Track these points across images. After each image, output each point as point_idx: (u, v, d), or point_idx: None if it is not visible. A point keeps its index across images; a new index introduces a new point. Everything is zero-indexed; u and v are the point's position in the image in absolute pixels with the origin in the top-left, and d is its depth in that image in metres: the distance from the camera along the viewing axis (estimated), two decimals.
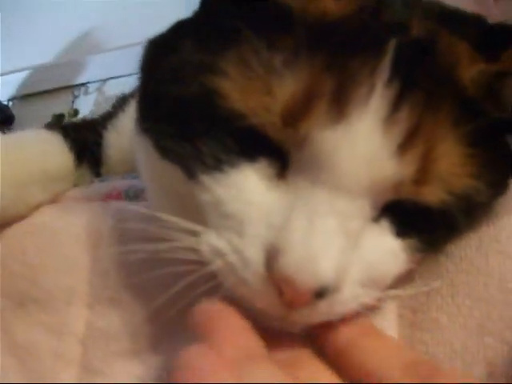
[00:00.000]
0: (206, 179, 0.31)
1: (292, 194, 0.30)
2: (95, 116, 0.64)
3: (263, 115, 0.29)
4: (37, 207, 0.47)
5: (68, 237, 0.43)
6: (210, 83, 0.30)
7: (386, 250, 0.32)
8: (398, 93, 0.29)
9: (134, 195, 0.46)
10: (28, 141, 0.51)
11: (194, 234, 0.32)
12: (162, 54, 0.36)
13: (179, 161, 0.33)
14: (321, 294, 0.29)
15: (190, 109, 0.32)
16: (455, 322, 0.34)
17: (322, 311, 0.31)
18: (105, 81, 1.81)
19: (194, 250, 0.31)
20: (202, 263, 0.31)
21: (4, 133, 0.52)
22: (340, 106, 0.29)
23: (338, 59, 0.29)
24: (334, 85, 0.29)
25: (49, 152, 0.50)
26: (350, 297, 0.31)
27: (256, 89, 0.30)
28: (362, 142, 0.29)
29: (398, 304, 0.36)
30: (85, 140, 0.56)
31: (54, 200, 0.49)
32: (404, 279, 0.35)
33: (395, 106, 0.29)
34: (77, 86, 1.84)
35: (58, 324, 0.42)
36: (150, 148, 0.35)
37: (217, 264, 0.31)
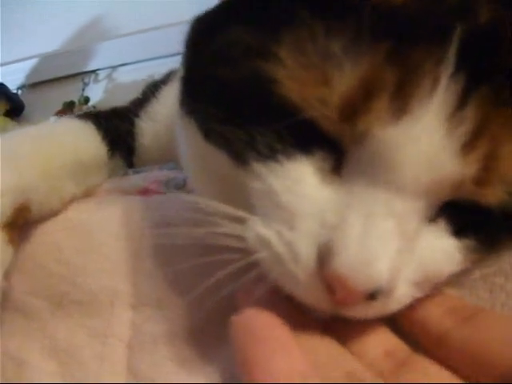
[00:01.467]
0: (258, 167, 0.30)
1: (347, 191, 0.29)
2: (122, 104, 0.61)
3: (319, 108, 0.27)
4: (71, 201, 0.45)
5: (107, 235, 0.41)
6: (263, 69, 0.28)
7: (441, 250, 0.31)
8: (464, 87, 0.27)
9: (175, 187, 0.43)
10: (60, 131, 0.49)
11: (240, 220, 0.31)
12: (208, 32, 0.34)
13: (228, 146, 0.31)
14: (373, 295, 0.28)
15: (240, 93, 0.30)
16: None
17: (373, 310, 0.30)
18: (115, 67, 1.80)
19: (240, 238, 0.30)
20: (246, 252, 0.30)
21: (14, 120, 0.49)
22: (403, 100, 0.27)
23: (400, 48, 0.27)
24: (397, 77, 0.27)
25: (82, 143, 0.48)
26: (402, 296, 0.30)
27: (311, 78, 0.28)
28: (425, 140, 0.27)
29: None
30: (117, 129, 0.54)
31: (88, 193, 0.47)
32: (463, 275, 0.33)
33: (461, 101, 0.27)
34: (87, 73, 1.84)
35: (102, 327, 0.40)
36: (195, 132, 0.33)
37: (263, 254, 0.30)
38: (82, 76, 1.83)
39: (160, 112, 0.55)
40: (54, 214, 0.44)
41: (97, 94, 1.79)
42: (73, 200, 0.45)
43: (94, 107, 1.66)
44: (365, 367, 0.29)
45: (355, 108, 0.27)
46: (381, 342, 0.31)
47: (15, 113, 1.79)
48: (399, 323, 0.32)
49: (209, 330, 0.37)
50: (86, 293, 0.40)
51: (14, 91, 1.89)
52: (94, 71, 1.83)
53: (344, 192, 0.29)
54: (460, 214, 0.30)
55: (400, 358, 0.30)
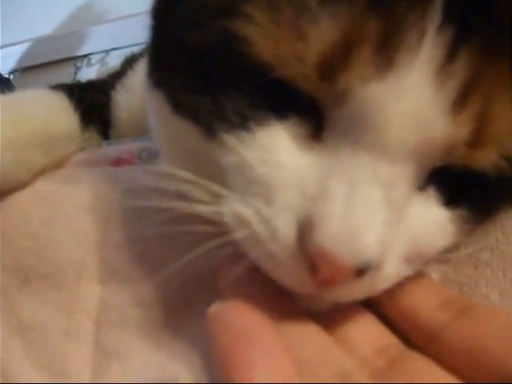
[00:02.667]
0: (229, 139, 0.27)
1: (328, 158, 0.26)
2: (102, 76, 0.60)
3: (295, 65, 0.25)
4: (40, 173, 0.43)
5: (76, 207, 0.39)
6: (232, 28, 0.26)
7: (432, 221, 0.28)
8: (453, 39, 0.24)
9: (148, 158, 0.42)
10: (29, 100, 0.47)
11: (215, 197, 0.28)
12: None
13: (196, 117, 0.29)
14: (362, 271, 0.26)
15: (209, 58, 0.28)
16: (508, 299, 0.30)
17: (360, 289, 0.28)
18: (107, 52, 1.77)
19: (216, 215, 0.28)
20: (222, 225, 0.28)
21: None
22: (386, 54, 0.24)
23: None
24: (379, 29, 0.24)
25: (52, 112, 0.46)
26: (392, 273, 0.28)
27: (285, 34, 0.25)
28: (412, 98, 0.24)
29: (441, 276, 0.33)
30: (92, 100, 0.52)
31: (58, 165, 0.45)
32: (447, 249, 0.31)
33: (449, 54, 0.24)
34: (79, 57, 1.81)
35: (68, 301, 0.38)
36: (163, 104, 0.31)
37: (241, 233, 0.27)
38: (74, 60, 1.81)
39: (136, 84, 0.52)
40: (22, 185, 0.42)
41: (89, 79, 1.76)
42: (42, 171, 0.43)
43: None
44: (357, 366, 0.27)
45: (334, 64, 0.24)
46: (372, 338, 0.29)
47: None
48: (388, 317, 0.31)
49: (180, 306, 0.36)
50: (52, 266, 0.38)
51: (6, 76, 1.86)
52: (86, 55, 1.80)
53: (325, 158, 0.27)
54: (450, 181, 0.28)
55: (392, 356, 0.28)
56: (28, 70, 1.89)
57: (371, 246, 0.25)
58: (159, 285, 0.36)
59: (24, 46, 1.88)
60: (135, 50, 0.60)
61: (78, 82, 0.58)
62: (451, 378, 0.26)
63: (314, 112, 0.27)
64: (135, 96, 0.52)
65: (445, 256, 0.31)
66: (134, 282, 0.36)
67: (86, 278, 0.38)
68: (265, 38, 0.25)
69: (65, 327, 0.37)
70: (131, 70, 0.55)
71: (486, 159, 0.26)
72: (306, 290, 0.27)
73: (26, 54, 1.88)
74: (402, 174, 0.26)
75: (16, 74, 1.90)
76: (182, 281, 0.35)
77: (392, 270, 0.28)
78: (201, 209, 0.28)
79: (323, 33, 0.24)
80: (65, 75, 1.77)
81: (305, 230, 0.26)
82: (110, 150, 0.45)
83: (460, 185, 0.28)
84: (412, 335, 0.29)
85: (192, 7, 0.29)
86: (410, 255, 0.28)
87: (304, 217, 0.26)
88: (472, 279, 0.32)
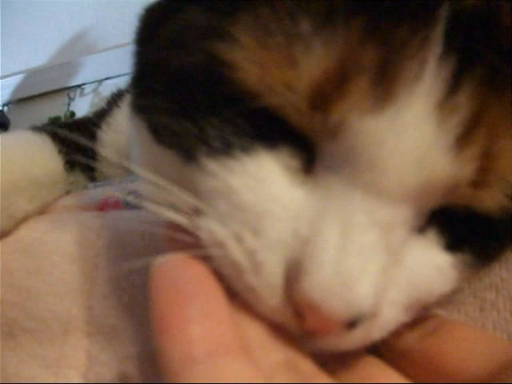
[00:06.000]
0: (210, 163, 0.25)
1: (321, 195, 0.25)
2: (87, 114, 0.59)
3: (284, 94, 0.23)
4: (23, 220, 0.41)
5: (61, 256, 0.38)
6: (218, 52, 0.24)
7: (432, 266, 0.26)
8: (455, 69, 0.23)
9: (135, 201, 0.40)
10: (11, 144, 0.45)
11: (195, 212, 0.26)
12: (160, 20, 0.30)
13: (176, 143, 0.27)
14: (354, 323, 0.24)
15: (192, 81, 0.26)
16: None
17: (352, 339, 0.25)
18: (101, 81, 1.77)
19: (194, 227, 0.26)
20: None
21: None
22: (385, 85, 0.22)
23: (380, 24, 0.23)
24: (377, 58, 0.22)
25: (35, 156, 0.45)
26: (389, 320, 0.26)
27: (275, 60, 0.23)
28: (412, 134, 0.22)
29: None
30: (76, 141, 0.50)
31: (42, 211, 0.43)
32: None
33: (452, 86, 0.22)
34: (72, 87, 1.81)
35: (55, 357, 0.36)
36: (145, 132, 0.29)
37: (215, 251, 0.25)
38: (67, 91, 1.81)
39: (122, 123, 0.51)
40: (3, 234, 0.40)
41: (83, 109, 1.75)
42: (26, 218, 0.41)
43: None
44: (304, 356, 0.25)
45: (328, 94, 0.23)
46: None
47: (1, 130, 1.76)
48: None
49: None
50: (37, 320, 0.36)
51: (0, 108, 1.86)
52: (79, 85, 1.80)
53: (317, 195, 0.25)
54: (453, 222, 0.26)
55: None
56: (22, 101, 1.89)
57: (365, 296, 0.23)
58: (149, 338, 0.34)
59: (17, 78, 1.89)
60: (128, 80, 0.59)
61: (63, 121, 0.56)
62: (403, 379, 0.26)
63: (305, 144, 0.25)
64: (121, 134, 0.51)
65: (447, 297, 0.29)
66: (123, 336, 0.35)
67: (73, 331, 0.36)
68: (251, 64, 0.23)
69: None
70: (117, 108, 0.54)
71: (491, 199, 0.24)
72: (292, 330, 0.25)
73: (20, 86, 1.89)
74: (401, 217, 0.24)
75: (10, 105, 1.90)
76: None
77: (389, 318, 0.26)
78: (181, 219, 0.26)
79: (316, 60, 0.23)
80: (58, 106, 1.77)
81: (292, 273, 0.24)
82: (96, 193, 0.43)
83: (462, 226, 0.26)
84: (384, 353, 0.28)
85: (178, 27, 0.27)
86: (408, 301, 0.26)
87: (293, 258, 0.24)
88: (478, 322, 0.30)
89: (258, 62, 0.23)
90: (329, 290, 0.23)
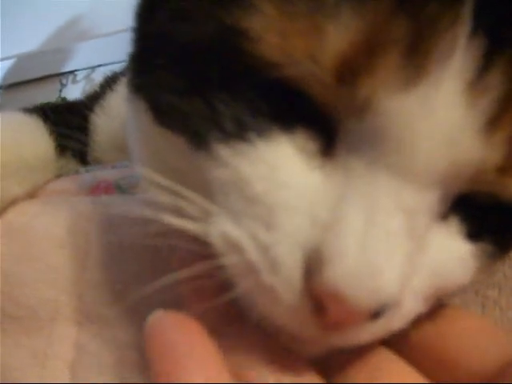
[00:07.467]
0: (223, 150, 0.24)
1: (342, 179, 0.23)
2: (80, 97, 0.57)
3: (307, 65, 0.21)
4: (12, 203, 0.40)
5: (51, 241, 0.36)
6: (233, 21, 0.22)
7: (454, 255, 0.25)
8: (485, 50, 0.21)
9: (127, 186, 0.39)
10: (1, 126, 0.43)
11: (204, 216, 0.25)
12: None
13: (184, 125, 0.25)
14: (379, 313, 0.22)
15: (202, 55, 0.24)
16: None
17: (374, 331, 0.24)
18: (93, 68, 1.75)
19: (201, 237, 0.25)
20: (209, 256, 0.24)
21: None
22: (417, 60, 0.21)
23: None
24: (409, 31, 0.21)
25: (25, 138, 0.43)
26: (410, 310, 0.25)
27: (298, 29, 0.21)
28: (443, 114, 0.21)
29: None
30: (68, 124, 0.49)
31: (32, 194, 0.42)
32: None
33: (483, 66, 0.21)
34: (64, 74, 1.79)
35: (42, 346, 0.35)
36: (144, 113, 0.27)
37: (230, 259, 0.24)
38: (59, 77, 1.78)
39: (116, 106, 0.50)
40: None
41: (75, 95, 1.73)
42: (15, 201, 0.40)
43: None
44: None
45: (355, 68, 0.21)
46: None
47: None
48: None
49: None
50: (24, 307, 0.35)
51: None
52: (71, 72, 1.78)
53: (337, 179, 0.23)
54: (473, 211, 0.25)
55: None
56: (13, 86, 1.86)
57: (392, 284, 0.22)
58: (140, 328, 0.33)
59: (8, 63, 1.86)
60: (121, 66, 0.57)
61: (54, 103, 0.55)
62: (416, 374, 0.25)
63: (325, 123, 0.23)
64: (114, 119, 0.49)
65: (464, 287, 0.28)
66: (113, 325, 0.33)
67: (61, 319, 0.35)
68: (272, 33, 0.22)
69: (38, 374, 0.34)
70: (111, 91, 0.52)
71: None
72: (306, 333, 0.24)
73: (11, 71, 1.86)
74: (426, 202, 0.23)
75: (0, 91, 1.88)
76: None
77: (410, 307, 0.25)
78: (188, 226, 0.25)
79: (344, 30, 0.21)
80: (50, 92, 1.74)
81: (312, 263, 0.22)
82: (87, 177, 0.42)
83: (483, 214, 0.25)
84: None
85: None
86: (429, 291, 0.25)
87: (312, 248, 0.23)
88: None
89: (278, 32, 0.22)
90: (354, 279, 0.22)
